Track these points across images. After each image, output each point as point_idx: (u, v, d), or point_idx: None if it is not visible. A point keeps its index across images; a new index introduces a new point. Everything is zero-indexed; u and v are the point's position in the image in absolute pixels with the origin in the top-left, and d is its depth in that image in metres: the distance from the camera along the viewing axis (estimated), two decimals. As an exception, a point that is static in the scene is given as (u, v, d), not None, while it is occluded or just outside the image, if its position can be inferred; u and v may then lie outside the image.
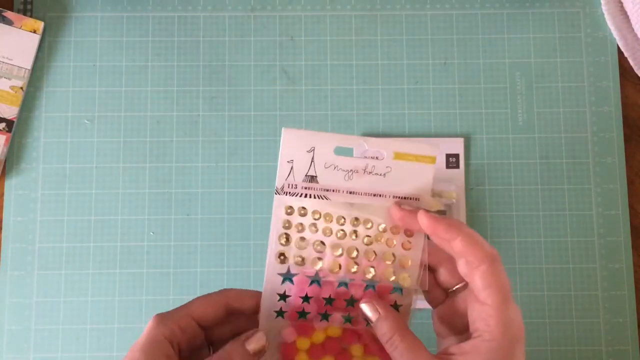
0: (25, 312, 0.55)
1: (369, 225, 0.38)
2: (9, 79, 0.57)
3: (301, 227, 0.38)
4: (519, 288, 0.56)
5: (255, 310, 0.38)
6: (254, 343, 0.36)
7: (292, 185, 0.38)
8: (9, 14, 0.57)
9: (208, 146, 0.58)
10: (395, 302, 0.38)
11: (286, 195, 0.38)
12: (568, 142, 0.58)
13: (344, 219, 0.38)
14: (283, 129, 0.37)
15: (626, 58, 0.59)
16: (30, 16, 0.59)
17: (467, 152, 0.58)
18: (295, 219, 0.38)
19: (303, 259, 0.38)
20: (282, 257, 0.38)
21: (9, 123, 0.57)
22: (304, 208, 0.38)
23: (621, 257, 0.56)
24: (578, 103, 0.59)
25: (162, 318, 0.37)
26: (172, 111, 0.58)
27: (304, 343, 0.38)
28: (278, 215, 0.38)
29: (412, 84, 0.59)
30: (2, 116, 0.57)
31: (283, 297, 0.38)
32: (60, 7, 0.59)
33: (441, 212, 0.55)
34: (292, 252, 0.38)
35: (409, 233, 0.38)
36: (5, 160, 0.57)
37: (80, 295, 0.56)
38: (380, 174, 0.38)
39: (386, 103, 0.59)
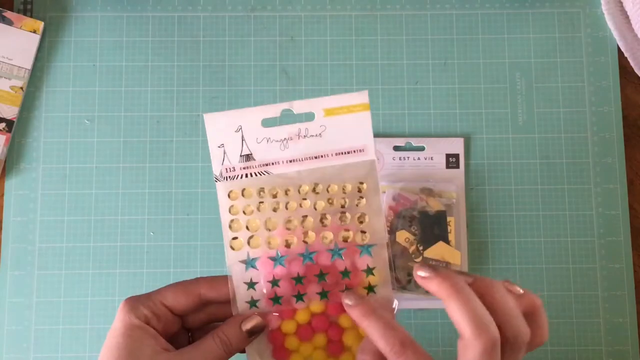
0: (25, 312, 0.55)
1: (317, 189, 0.37)
2: (9, 79, 0.57)
3: (249, 209, 0.37)
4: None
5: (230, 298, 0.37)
6: (249, 323, 0.36)
7: (229, 169, 0.37)
8: (9, 14, 0.57)
9: (208, 146, 0.58)
10: (368, 265, 0.37)
11: (226, 180, 0.37)
12: (568, 142, 0.58)
13: (290, 189, 0.37)
14: (204, 115, 0.36)
15: (626, 58, 0.59)
16: (30, 16, 0.59)
17: (467, 152, 0.58)
18: (241, 202, 0.37)
19: (258, 241, 0.37)
20: (237, 244, 0.37)
21: (9, 123, 0.57)
22: (246, 189, 0.37)
23: (621, 257, 0.57)
24: (578, 103, 0.59)
25: (134, 302, 0.36)
26: (172, 111, 0.58)
27: (289, 326, 0.37)
28: (223, 203, 0.37)
29: (412, 84, 0.59)
30: (2, 116, 0.57)
31: (251, 285, 0.37)
32: (60, 7, 0.59)
33: (441, 212, 0.55)
34: (245, 236, 0.37)
35: (360, 187, 0.37)
36: (5, 160, 0.57)
37: (80, 295, 0.56)
38: (316, 135, 0.36)
39: (386, 103, 0.59)
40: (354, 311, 0.35)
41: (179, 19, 0.60)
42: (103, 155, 0.58)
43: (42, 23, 0.58)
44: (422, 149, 0.57)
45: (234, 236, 0.37)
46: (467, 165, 0.58)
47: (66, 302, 0.56)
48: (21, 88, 0.57)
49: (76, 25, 0.59)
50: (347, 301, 0.36)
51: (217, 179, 0.37)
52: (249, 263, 0.37)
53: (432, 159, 0.57)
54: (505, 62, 0.59)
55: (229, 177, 0.37)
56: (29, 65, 0.58)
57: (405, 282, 0.54)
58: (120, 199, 0.57)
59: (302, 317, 0.37)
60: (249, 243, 0.37)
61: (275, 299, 0.37)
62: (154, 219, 0.57)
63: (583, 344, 0.55)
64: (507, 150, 0.58)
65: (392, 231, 0.54)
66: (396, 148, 0.57)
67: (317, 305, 0.37)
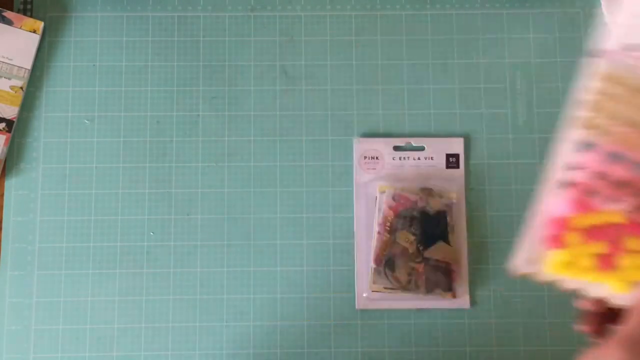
0: (25, 312, 0.55)
1: None
2: (9, 79, 0.57)
3: (609, 93, 0.33)
4: (519, 288, 0.56)
5: None
6: None
7: (613, 51, 0.33)
8: (9, 14, 0.57)
9: (208, 146, 0.58)
10: None
11: (603, 59, 0.33)
12: (568, 142, 0.58)
13: None
14: None
15: (626, 58, 0.59)
16: (30, 16, 0.59)
17: (467, 152, 0.58)
18: (607, 87, 0.33)
19: (605, 131, 0.32)
20: (579, 122, 0.33)
21: (9, 123, 0.57)
22: (621, 77, 0.33)
23: (621, 257, 0.56)
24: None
25: None
26: (172, 111, 0.58)
27: (583, 220, 0.33)
28: (589, 79, 0.33)
29: (412, 84, 0.59)
30: (2, 116, 0.57)
31: (575, 167, 0.33)
32: (60, 7, 0.59)
33: (441, 212, 0.55)
34: (596, 120, 0.32)
35: None
36: (5, 160, 0.57)
37: (80, 295, 0.56)
38: None
39: (386, 103, 0.59)
40: None
41: (179, 19, 0.60)
42: (103, 155, 0.58)
43: (42, 23, 0.58)
44: (422, 149, 0.57)
45: (581, 113, 0.33)
46: (467, 165, 0.58)
47: (66, 302, 0.56)
48: (21, 88, 0.57)
49: (76, 25, 0.59)
50: None
51: (594, 55, 0.33)
52: (586, 145, 0.33)
53: (432, 159, 0.57)
54: (505, 62, 0.59)
55: (610, 59, 0.33)
56: (29, 65, 0.58)
57: (405, 282, 0.54)
58: (120, 199, 0.57)
59: (595, 218, 0.33)
60: (596, 128, 0.33)
61: (590, 193, 0.33)
62: (154, 219, 0.57)
63: (583, 344, 0.55)
64: (507, 150, 0.58)
65: (392, 231, 0.54)
66: (396, 148, 0.57)
67: (618, 217, 0.33)
